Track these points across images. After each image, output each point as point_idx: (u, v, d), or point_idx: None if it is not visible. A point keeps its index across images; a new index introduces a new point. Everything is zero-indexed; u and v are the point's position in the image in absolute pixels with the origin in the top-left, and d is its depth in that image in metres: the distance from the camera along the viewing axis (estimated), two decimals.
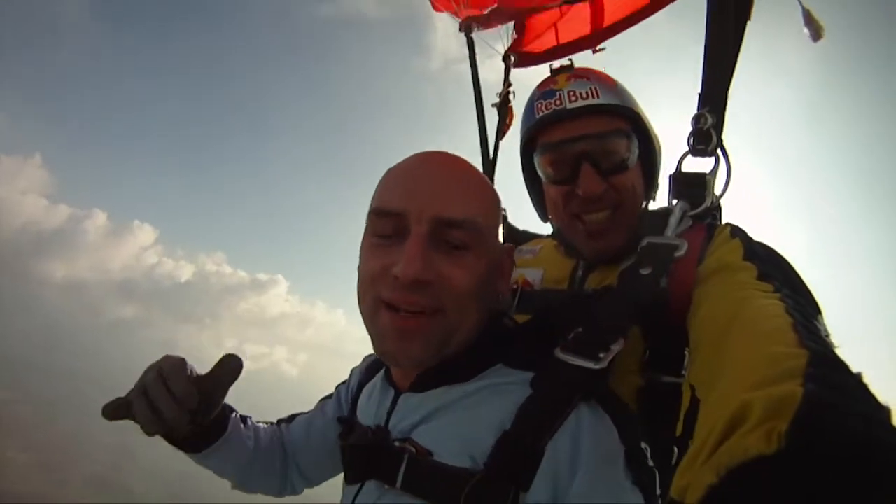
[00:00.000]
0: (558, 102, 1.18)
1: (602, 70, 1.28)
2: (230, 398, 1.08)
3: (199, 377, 1.00)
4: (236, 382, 1.03)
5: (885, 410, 0.49)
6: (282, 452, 1.26)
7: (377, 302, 0.86)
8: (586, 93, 1.16)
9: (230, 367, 1.01)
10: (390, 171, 0.94)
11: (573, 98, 1.17)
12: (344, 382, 1.29)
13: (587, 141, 1.15)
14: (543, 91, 1.23)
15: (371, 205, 0.92)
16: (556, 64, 1.31)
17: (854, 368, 0.56)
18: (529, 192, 1.36)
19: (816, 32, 1.33)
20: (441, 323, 0.85)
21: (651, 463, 0.80)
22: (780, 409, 0.49)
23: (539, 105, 1.22)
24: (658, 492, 0.79)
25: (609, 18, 1.96)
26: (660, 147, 1.27)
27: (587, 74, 1.22)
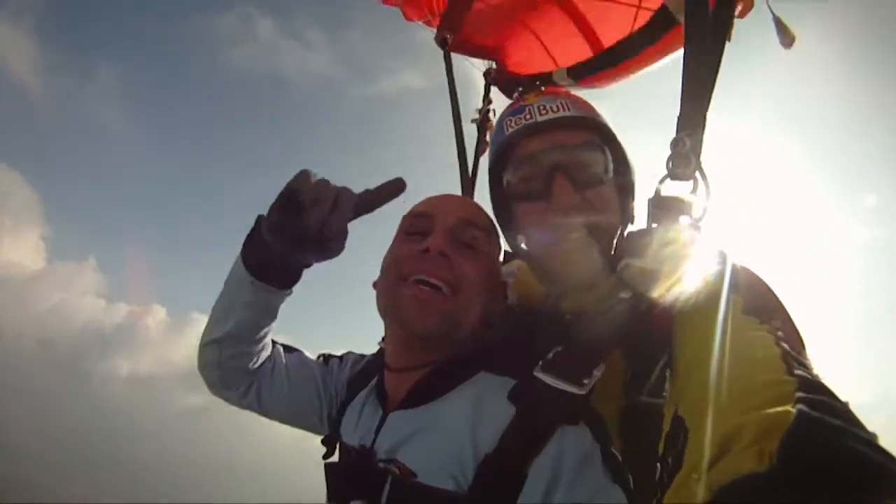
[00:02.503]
0: (528, 117, 1.16)
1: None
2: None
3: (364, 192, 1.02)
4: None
5: (871, 434, 0.50)
6: (269, 362, 1.29)
7: (401, 277, 0.99)
8: (556, 106, 1.15)
9: (393, 186, 1.02)
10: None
11: (543, 112, 1.15)
12: (339, 358, 1.33)
13: (560, 152, 1.12)
14: (513, 109, 1.22)
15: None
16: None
17: (841, 396, 0.58)
18: (497, 218, 1.23)
19: (789, 39, 1.34)
20: (455, 304, 0.96)
21: (624, 469, 0.82)
22: (772, 430, 0.51)
23: (508, 122, 1.20)
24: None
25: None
26: (634, 168, 1.23)
27: (557, 92, 1.23)
